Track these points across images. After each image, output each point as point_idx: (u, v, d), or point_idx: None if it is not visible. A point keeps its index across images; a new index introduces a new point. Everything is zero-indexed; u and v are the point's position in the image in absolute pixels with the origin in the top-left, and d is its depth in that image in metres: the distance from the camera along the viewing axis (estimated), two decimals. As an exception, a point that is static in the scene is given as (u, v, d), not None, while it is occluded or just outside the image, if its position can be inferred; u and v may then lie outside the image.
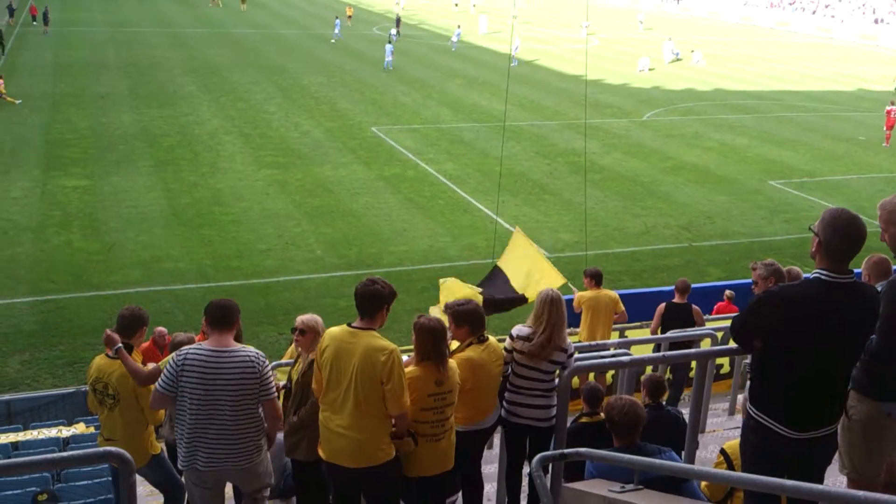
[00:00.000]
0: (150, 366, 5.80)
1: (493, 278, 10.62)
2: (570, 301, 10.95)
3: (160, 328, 9.58)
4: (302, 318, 6.10)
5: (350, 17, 56.36)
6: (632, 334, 11.34)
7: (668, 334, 9.60)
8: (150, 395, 5.77)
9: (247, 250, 17.31)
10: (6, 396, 11.33)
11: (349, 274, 16.45)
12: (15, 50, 40.54)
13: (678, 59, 48.04)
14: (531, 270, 10.21)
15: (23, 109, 28.37)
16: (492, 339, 5.71)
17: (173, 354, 5.13)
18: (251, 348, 5.18)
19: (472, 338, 5.57)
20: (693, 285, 10.79)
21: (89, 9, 58.74)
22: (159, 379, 5.11)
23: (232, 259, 16.83)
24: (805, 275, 8.04)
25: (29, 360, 12.74)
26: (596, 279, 10.38)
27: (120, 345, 5.79)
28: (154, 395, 5.16)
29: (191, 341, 6.69)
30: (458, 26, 51.04)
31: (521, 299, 10.00)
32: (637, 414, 4.93)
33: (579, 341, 10.32)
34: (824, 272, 3.90)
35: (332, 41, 48.35)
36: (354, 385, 4.86)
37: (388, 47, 40.88)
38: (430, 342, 5.14)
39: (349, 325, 5.02)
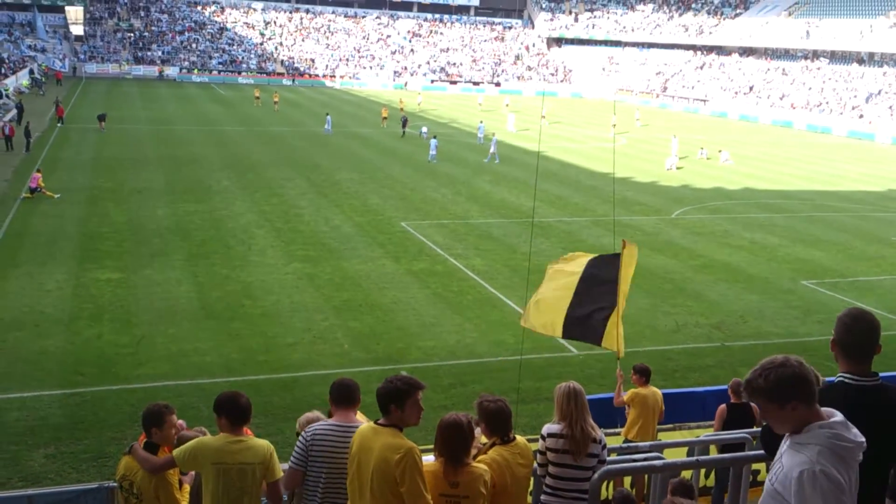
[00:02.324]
0: (164, 456, 5.81)
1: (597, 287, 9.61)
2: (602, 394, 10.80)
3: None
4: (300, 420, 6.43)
5: (385, 118, 57.53)
6: (664, 436, 11.06)
7: (702, 437, 9.36)
8: (170, 496, 5.75)
9: (274, 344, 17.30)
10: (29, 491, 11.16)
11: (376, 369, 16.32)
12: (57, 146, 41.95)
13: (706, 159, 48.43)
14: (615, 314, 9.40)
15: (61, 203, 29.11)
16: (520, 439, 5.58)
17: (303, 432, 5.40)
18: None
19: (495, 437, 5.45)
20: (725, 386, 10.59)
21: (132, 107, 60.95)
22: (292, 456, 5.38)
23: (259, 353, 16.82)
24: (828, 379, 7.89)
25: (54, 454, 12.65)
26: (646, 376, 10.36)
27: (134, 443, 5.89)
28: (287, 472, 5.40)
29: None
30: (481, 122, 52.65)
31: (598, 338, 9.42)
32: None
33: (626, 439, 10.13)
34: (847, 375, 3.85)
35: (323, 133, 50.83)
36: (371, 484, 4.80)
37: (433, 142, 42.91)
38: (440, 439, 5.04)
39: (375, 422, 4.98)
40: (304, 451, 5.30)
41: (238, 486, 5.45)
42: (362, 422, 5.47)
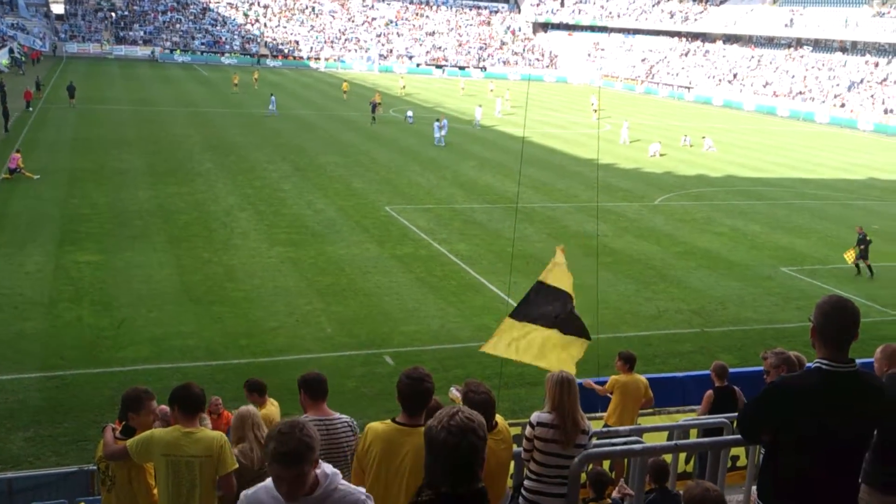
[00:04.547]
0: (120, 443, 5.84)
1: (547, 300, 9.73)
2: (602, 383, 10.89)
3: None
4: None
5: (379, 103, 56.38)
6: (644, 421, 11.14)
7: (681, 421, 9.46)
8: (143, 481, 5.76)
9: (257, 328, 17.26)
10: (8, 474, 11.13)
11: (359, 353, 16.36)
12: (36, 126, 41.49)
13: (689, 146, 48.59)
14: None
15: (41, 184, 28.82)
16: (500, 422, 5.60)
17: None
18: (343, 415, 5.76)
19: None
20: (704, 371, 10.69)
21: (113, 87, 60.32)
22: None
23: (241, 337, 16.78)
24: (807, 364, 7.99)
25: (33, 437, 12.60)
26: (629, 363, 10.41)
27: (108, 423, 5.94)
28: None
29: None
30: (479, 105, 53.12)
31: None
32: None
33: (606, 425, 10.22)
34: (824, 361, 3.88)
35: (266, 115, 49.95)
36: (407, 485, 4.69)
37: (437, 124, 43.28)
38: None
39: (394, 420, 4.89)
40: None
41: (188, 479, 5.47)
42: (335, 413, 5.60)
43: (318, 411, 5.64)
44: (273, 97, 52.03)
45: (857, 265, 23.77)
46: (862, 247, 23.51)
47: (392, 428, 4.84)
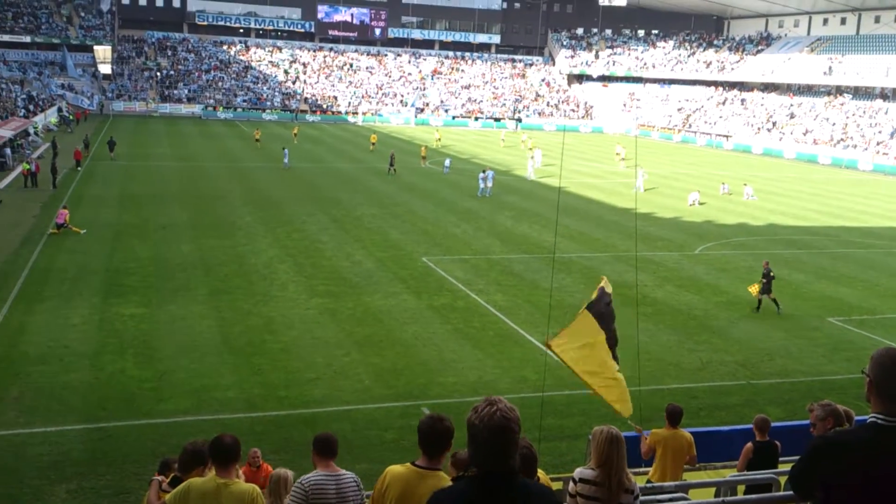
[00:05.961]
0: (163, 496, 5.91)
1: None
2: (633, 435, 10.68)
3: (254, 449, 10.53)
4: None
5: (424, 157, 57.05)
6: (689, 476, 10.88)
7: (728, 477, 9.23)
8: None
9: (295, 379, 17.29)
10: (49, 526, 11.20)
11: (397, 405, 16.26)
12: (83, 182, 42.55)
13: (729, 194, 48.21)
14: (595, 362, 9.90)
15: (87, 239, 29.43)
16: (542, 477, 5.52)
17: (298, 482, 5.97)
18: (349, 472, 6.23)
19: None
20: (751, 426, 10.43)
21: (159, 144, 61.79)
22: None
23: (280, 388, 16.80)
24: (856, 418, 7.75)
25: (75, 490, 12.65)
26: (671, 418, 10.20)
27: (156, 477, 6.04)
28: None
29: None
30: (531, 157, 53.95)
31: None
32: None
33: (649, 481, 9.99)
34: (880, 416, 3.75)
35: (283, 168, 50.78)
36: None
37: (481, 175, 43.84)
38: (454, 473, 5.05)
39: (413, 463, 4.86)
40: (304, 500, 5.84)
41: None
42: (342, 470, 6.06)
43: (328, 468, 6.09)
44: (286, 150, 52.87)
45: (759, 299, 23.83)
46: (764, 280, 23.71)
47: (411, 470, 4.82)
